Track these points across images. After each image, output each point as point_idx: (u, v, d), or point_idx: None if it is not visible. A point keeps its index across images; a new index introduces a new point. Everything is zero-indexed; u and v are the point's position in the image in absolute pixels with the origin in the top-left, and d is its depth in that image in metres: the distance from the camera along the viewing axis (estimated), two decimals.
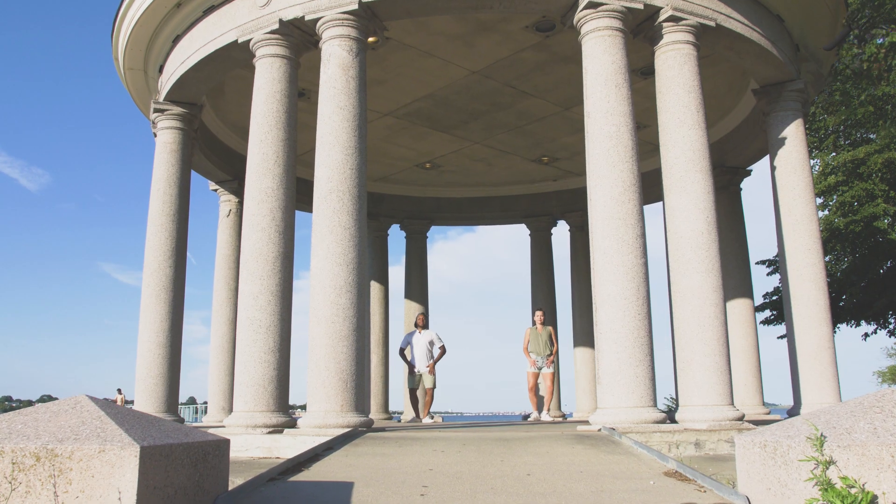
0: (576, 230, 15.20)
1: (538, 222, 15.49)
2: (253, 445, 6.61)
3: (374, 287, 15.16)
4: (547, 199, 15.34)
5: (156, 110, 9.82)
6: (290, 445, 6.32)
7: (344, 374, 6.57)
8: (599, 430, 6.15)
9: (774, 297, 17.87)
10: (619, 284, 6.60)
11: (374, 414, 14.50)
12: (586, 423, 6.87)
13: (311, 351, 6.73)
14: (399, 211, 15.54)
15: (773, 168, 9.43)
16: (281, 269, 7.31)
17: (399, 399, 17.71)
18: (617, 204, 6.79)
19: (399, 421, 14.57)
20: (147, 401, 8.96)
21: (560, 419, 13.72)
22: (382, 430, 6.83)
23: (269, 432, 6.76)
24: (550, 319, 14.79)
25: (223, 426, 7.13)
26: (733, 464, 5.39)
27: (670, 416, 6.74)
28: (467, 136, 12.71)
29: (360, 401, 6.66)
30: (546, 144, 13.13)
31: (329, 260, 6.81)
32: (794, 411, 8.72)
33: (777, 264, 18.36)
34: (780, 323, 18.18)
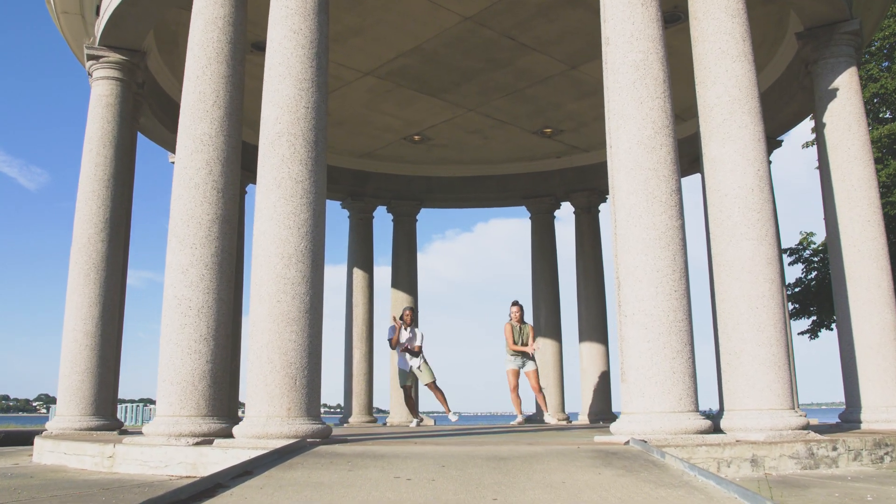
0: (581, 212, 13.69)
1: (540, 204, 13.96)
2: (174, 460, 5.10)
3: (358, 275, 13.65)
4: (549, 178, 13.83)
5: (90, 57, 8.30)
6: (219, 461, 4.81)
7: (292, 369, 5.06)
8: (627, 442, 4.64)
9: (797, 289, 16.38)
10: (649, 253, 5.09)
11: (357, 416, 13.00)
12: (606, 431, 5.38)
13: (251, 338, 5.22)
14: (386, 191, 14.01)
15: (820, 126, 7.92)
16: (219, 235, 5.79)
17: (384, 398, 16.19)
18: (646, 150, 5.28)
19: (385, 423, 13.05)
20: (71, 401, 7.44)
21: (564, 422, 12.21)
22: (344, 440, 5.32)
23: (197, 443, 5.25)
24: (553, 309, 13.29)
25: (141, 433, 5.61)
26: (816, 492, 3.89)
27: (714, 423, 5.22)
28: (460, 102, 11.19)
29: (313, 402, 5.15)
30: (549, 112, 11.61)
31: (275, 221, 5.29)
32: (850, 416, 7.22)
33: (798, 253, 16.90)
34: (802, 317, 16.73)
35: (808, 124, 17.90)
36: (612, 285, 14.14)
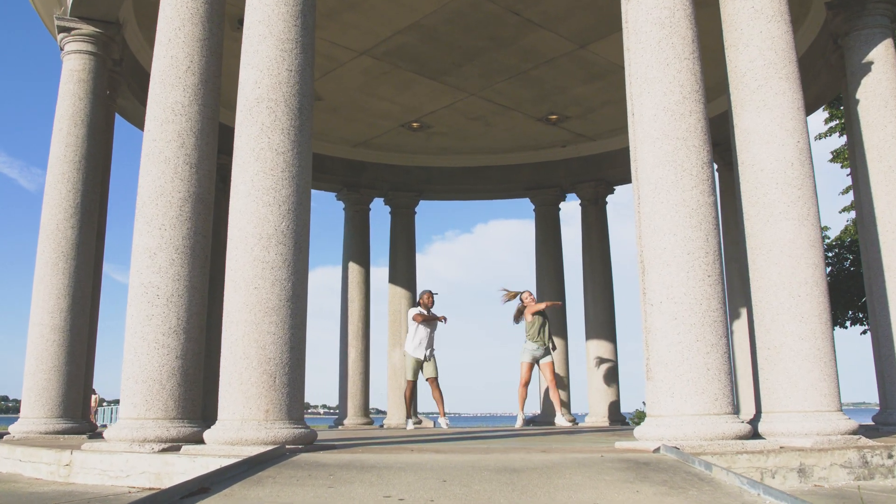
0: (588, 204, 13.07)
1: (544, 196, 13.33)
2: (137, 469, 4.46)
3: (354, 270, 13.02)
4: (554, 168, 13.21)
5: (61, 29, 7.67)
6: (186, 470, 4.19)
7: (271, 365, 4.43)
8: (657, 450, 4.01)
9: None
10: (678, 233, 4.47)
11: (352, 418, 12.36)
12: (624, 435, 4.75)
13: (225, 331, 4.60)
14: (383, 182, 13.38)
15: (853, 104, 7.30)
16: (191, 216, 5.16)
17: (382, 398, 15.55)
18: (673, 118, 4.65)
19: (381, 425, 12.43)
20: (37, 402, 6.80)
21: (571, 423, 11.57)
22: (331, 446, 4.69)
23: (164, 450, 4.61)
24: (559, 308, 12.62)
25: (102, 439, 4.98)
26: None
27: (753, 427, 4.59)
28: (460, 85, 10.56)
29: (294, 404, 4.51)
30: (554, 97, 10.98)
31: (253, 197, 4.66)
32: (888, 418, 6.60)
33: None
34: None
35: (820, 115, 17.31)
36: (620, 281, 13.52)
